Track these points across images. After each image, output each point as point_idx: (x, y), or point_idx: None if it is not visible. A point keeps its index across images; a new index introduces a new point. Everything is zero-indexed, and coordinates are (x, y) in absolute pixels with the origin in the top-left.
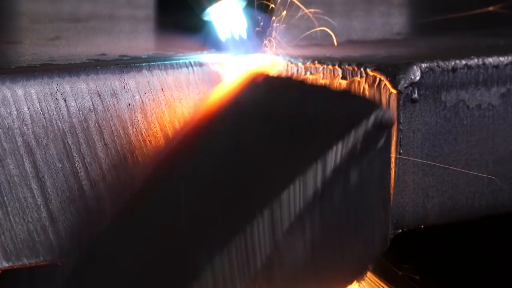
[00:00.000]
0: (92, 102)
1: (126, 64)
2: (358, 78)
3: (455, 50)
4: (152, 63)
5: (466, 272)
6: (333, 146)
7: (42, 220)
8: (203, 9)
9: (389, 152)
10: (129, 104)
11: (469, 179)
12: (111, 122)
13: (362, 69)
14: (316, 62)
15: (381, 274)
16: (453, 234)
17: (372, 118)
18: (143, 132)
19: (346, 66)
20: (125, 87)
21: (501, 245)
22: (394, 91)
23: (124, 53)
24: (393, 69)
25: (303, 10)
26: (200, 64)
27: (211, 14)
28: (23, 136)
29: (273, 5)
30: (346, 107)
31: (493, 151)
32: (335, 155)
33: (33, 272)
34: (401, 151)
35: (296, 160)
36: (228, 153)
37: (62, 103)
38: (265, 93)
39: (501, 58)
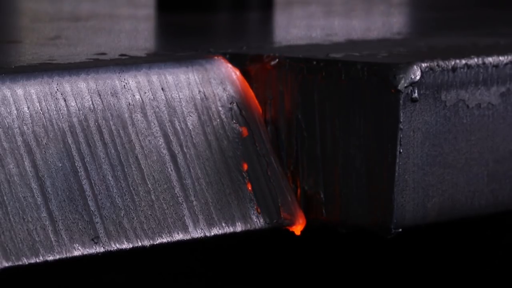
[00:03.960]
0: (92, 102)
1: (126, 63)
2: (358, 78)
3: (455, 50)
4: (152, 63)
5: (466, 271)
6: None
7: (41, 219)
8: None
9: None
10: (129, 104)
11: (469, 178)
12: (111, 122)
13: (362, 68)
14: (316, 61)
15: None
16: (453, 233)
17: None
18: (143, 131)
19: (347, 66)
20: (125, 86)
21: (501, 245)
22: (394, 90)
23: (124, 52)
24: (393, 69)
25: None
26: (200, 64)
27: None
28: (23, 136)
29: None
30: None
31: (493, 151)
32: None
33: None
34: (401, 151)
35: None
36: None
37: (62, 102)
38: None
39: (501, 58)
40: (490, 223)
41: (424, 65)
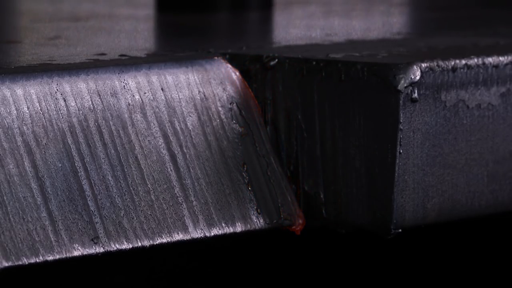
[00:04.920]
0: (91, 102)
1: (126, 63)
2: (358, 78)
3: (455, 50)
4: (152, 63)
5: (466, 271)
6: None
7: (41, 219)
8: None
9: None
10: (129, 104)
11: (469, 179)
12: (110, 122)
13: (362, 68)
14: (316, 62)
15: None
16: (453, 233)
17: None
18: (142, 131)
19: (346, 66)
20: (125, 86)
21: (501, 245)
22: (394, 90)
23: (124, 52)
24: (393, 69)
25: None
26: (200, 64)
27: None
28: (22, 136)
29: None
30: None
31: (493, 151)
32: None
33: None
34: (401, 151)
35: None
36: None
37: (61, 102)
38: None
39: (501, 58)
40: (490, 223)
41: (424, 65)
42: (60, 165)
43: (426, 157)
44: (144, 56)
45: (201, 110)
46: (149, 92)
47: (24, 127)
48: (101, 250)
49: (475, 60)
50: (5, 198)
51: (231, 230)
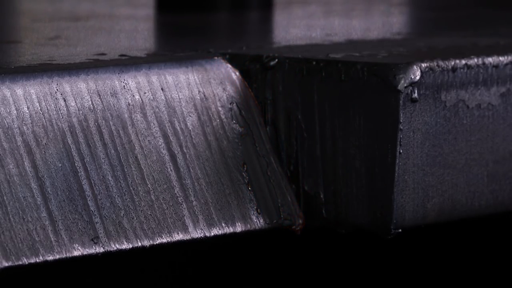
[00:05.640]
0: (91, 102)
1: (126, 63)
2: (358, 78)
3: (455, 50)
4: (152, 63)
5: (466, 271)
6: None
7: (41, 219)
8: None
9: None
10: (129, 104)
11: (469, 179)
12: (110, 122)
13: (362, 68)
14: (316, 62)
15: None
16: (453, 233)
17: None
18: (142, 131)
19: (347, 66)
20: (125, 86)
21: (501, 245)
22: (394, 90)
23: (124, 52)
24: (393, 69)
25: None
26: (200, 64)
27: None
28: (22, 136)
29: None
30: None
31: (493, 151)
32: None
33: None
34: (401, 151)
35: None
36: None
37: (61, 102)
38: None
39: (501, 58)
40: (490, 223)
41: (424, 65)
42: (60, 165)
43: (426, 157)
44: (144, 56)
45: (201, 110)
46: (149, 92)
47: (24, 127)
48: (101, 250)
49: (475, 60)
50: (5, 198)
51: (231, 230)
